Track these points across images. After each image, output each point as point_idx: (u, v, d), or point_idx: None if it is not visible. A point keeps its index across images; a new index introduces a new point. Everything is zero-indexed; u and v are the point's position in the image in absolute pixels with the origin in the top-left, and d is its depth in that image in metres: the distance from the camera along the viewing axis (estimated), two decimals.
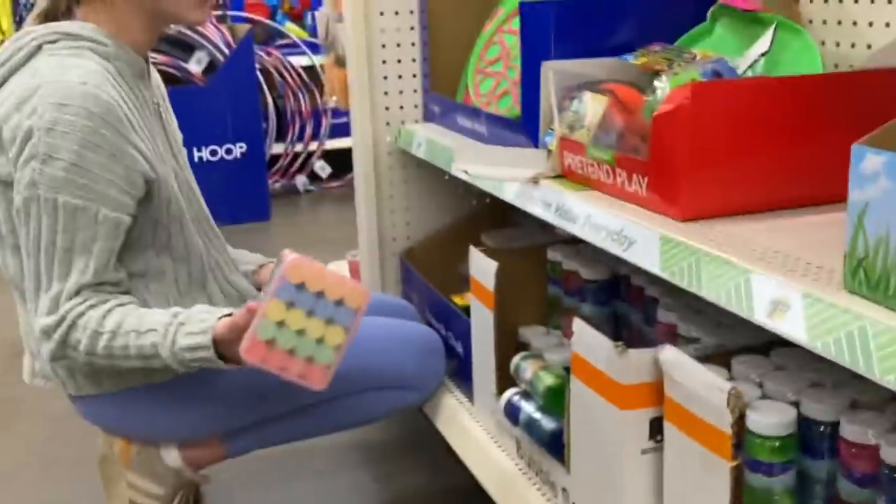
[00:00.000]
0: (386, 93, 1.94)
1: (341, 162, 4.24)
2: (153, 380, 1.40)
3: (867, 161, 0.76)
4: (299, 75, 4.38)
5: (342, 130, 4.45)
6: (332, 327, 1.21)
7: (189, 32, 3.53)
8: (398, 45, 1.91)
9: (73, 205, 1.24)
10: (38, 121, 1.23)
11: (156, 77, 1.51)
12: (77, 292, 1.27)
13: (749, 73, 1.21)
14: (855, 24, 1.34)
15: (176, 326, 1.26)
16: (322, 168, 4.58)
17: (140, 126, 1.33)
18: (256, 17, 4.37)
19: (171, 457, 1.51)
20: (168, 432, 1.49)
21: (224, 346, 1.25)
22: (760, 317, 0.85)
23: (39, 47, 1.31)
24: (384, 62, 1.92)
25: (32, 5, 3.50)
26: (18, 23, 3.58)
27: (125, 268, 1.34)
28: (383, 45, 1.90)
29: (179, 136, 1.55)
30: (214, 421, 1.48)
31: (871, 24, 1.31)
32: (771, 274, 0.86)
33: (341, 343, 1.22)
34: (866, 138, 0.78)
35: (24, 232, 1.28)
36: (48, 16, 1.37)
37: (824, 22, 1.38)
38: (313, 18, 4.60)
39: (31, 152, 1.23)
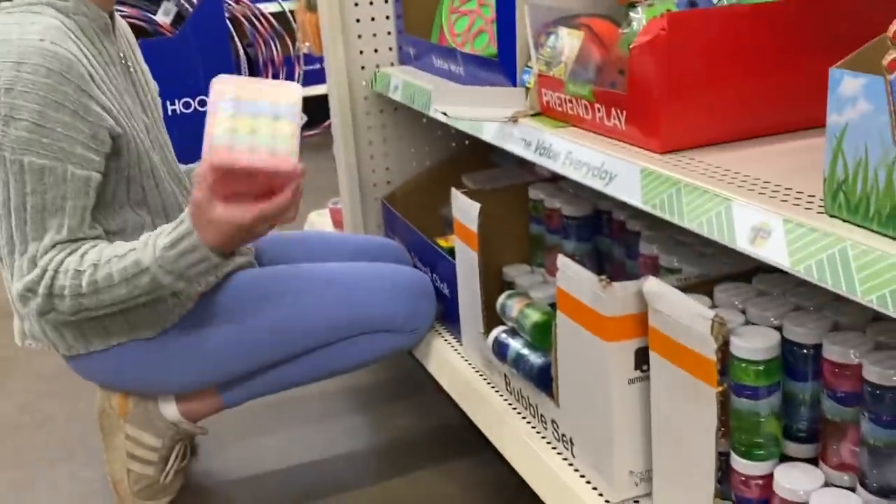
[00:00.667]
0: (360, 36, 1.92)
1: (317, 110, 4.21)
2: (140, 335, 1.40)
3: (845, 84, 0.76)
4: (269, 22, 4.31)
5: (316, 77, 4.39)
6: (279, 122, 1.22)
7: None
8: None
9: (39, 165, 1.22)
10: None
11: (125, 31, 1.49)
12: (52, 247, 1.26)
13: (724, 2, 1.20)
14: None
15: (154, 236, 1.26)
16: (298, 116, 4.53)
17: (104, 82, 1.31)
18: None
19: (169, 409, 1.52)
20: (164, 386, 1.50)
21: (202, 229, 1.22)
22: (742, 244, 0.86)
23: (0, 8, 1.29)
24: (356, 4, 1.90)
25: None
26: None
27: (103, 226, 1.33)
28: None
29: (154, 87, 1.53)
30: (209, 373, 1.49)
31: None
32: (751, 201, 0.87)
33: (292, 131, 1.22)
34: (844, 61, 0.78)
35: None
36: None
37: None
38: None
39: None
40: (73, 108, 1.23)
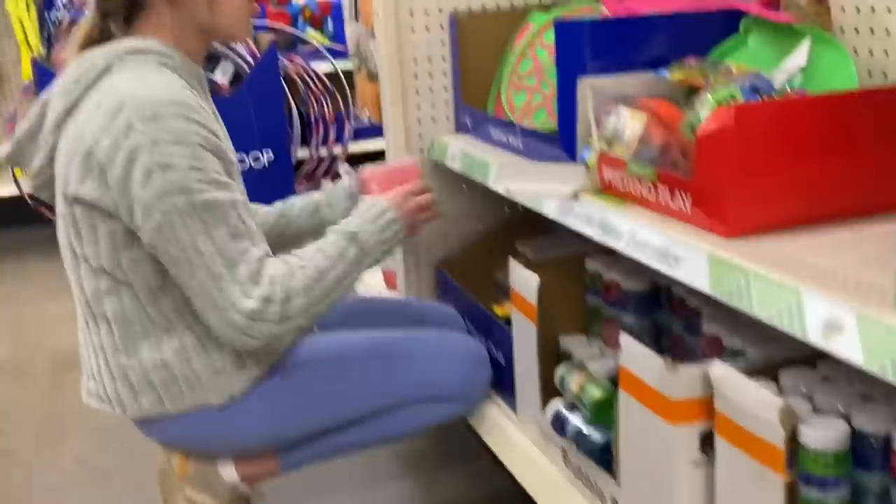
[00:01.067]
0: (418, 106, 1.97)
1: (367, 164, 4.28)
2: (210, 402, 1.43)
3: None
4: (322, 81, 4.40)
5: (365, 133, 4.48)
6: None
7: (215, 45, 3.56)
8: (429, 60, 1.93)
9: (210, 199, 1.27)
10: (140, 137, 1.24)
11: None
12: (261, 260, 1.32)
13: (787, 88, 1.23)
14: (888, 32, 1.35)
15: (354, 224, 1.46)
16: (347, 172, 4.60)
17: (217, 133, 1.37)
18: (278, 26, 4.40)
19: (228, 472, 1.55)
20: (227, 450, 1.52)
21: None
22: (815, 338, 0.87)
23: (109, 66, 1.33)
24: (416, 76, 1.95)
25: (60, 22, 3.54)
26: (48, 39, 3.62)
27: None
28: (414, 60, 1.93)
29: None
30: (272, 438, 1.51)
31: None
32: (823, 293, 0.88)
33: None
34: None
35: (175, 246, 1.28)
36: (90, 42, 1.39)
37: (857, 31, 1.39)
38: (334, 24, 4.63)
39: (146, 169, 1.25)
40: (214, 148, 1.30)
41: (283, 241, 1.67)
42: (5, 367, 2.91)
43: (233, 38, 1.45)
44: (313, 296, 1.35)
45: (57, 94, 1.36)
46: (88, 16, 1.41)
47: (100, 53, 1.35)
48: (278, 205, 1.75)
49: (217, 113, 1.52)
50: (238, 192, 1.34)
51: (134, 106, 1.26)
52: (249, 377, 1.44)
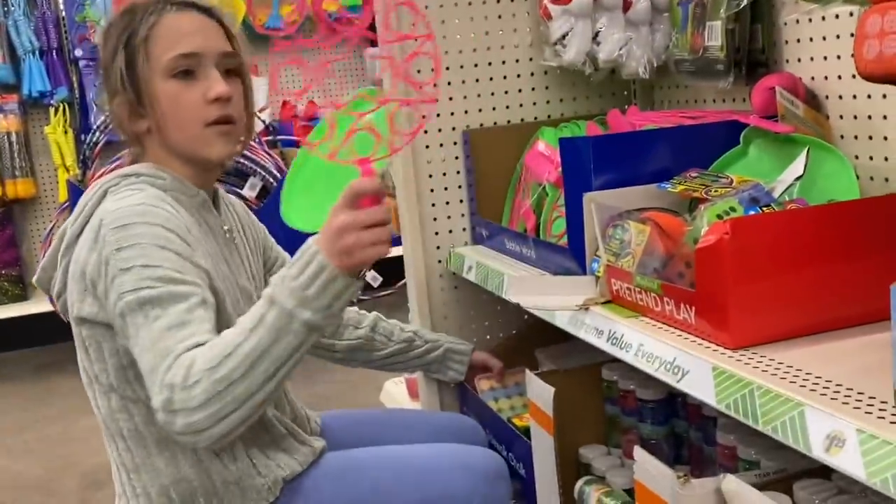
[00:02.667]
0: (435, 218, 2.02)
1: (391, 269, 4.33)
2: None
3: None
4: None
5: (393, 239, 4.55)
6: None
7: (244, 161, 3.68)
8: (444, 175, 1.99)
9: (155, 294, 1.24)
10: (107, 247, 1.28)
11: (233, 206, 1.58)
12: (187, 350, 1.20)
13: (785, 198, 1.25)
14: (885, 138, 1.38)
15: (277, 285, 1.21)
16: (374, 278, 4.67)
17: (201, 243, 1.38)
18: (305, 140, 4.55)
19: None
20: None
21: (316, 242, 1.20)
22: (818, 452, 0.87)
23: (105, 192, 1.40)
24: (432, 190, 2.00)
25: (95, 144, 3.70)
26: (84, 161, 3.77)
27: None
28: (430, 175, 1.99)
29: (269, 257, 1.65)
30: None
31: None
32: (824, 407, 0.88)
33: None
34: None
35: (130, 344, 1.27)
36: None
37: (856, 137, 1.43)
38: None
39: (112, 274, 1.28)
40: (177, 250, 1.29)
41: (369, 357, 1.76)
42: (36, 486, 2.93)
43: (206, 160, 1.41)
44: (220, 376, 1.16)
45: (69, 221, 1.42)
46: None
47: (100, 182, 1.42)
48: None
49: (243, 234, 1.56)
50: (197, 288, 1.26)
51: (108, 221, 1.30)
52: (263, 500, 1.44)
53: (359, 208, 1.20)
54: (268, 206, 3.81)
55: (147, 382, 1.23)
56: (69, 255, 1.39)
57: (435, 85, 1.34)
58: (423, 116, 1.34)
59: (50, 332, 3.97)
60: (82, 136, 4.21)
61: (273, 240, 1.72)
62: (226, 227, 1.50)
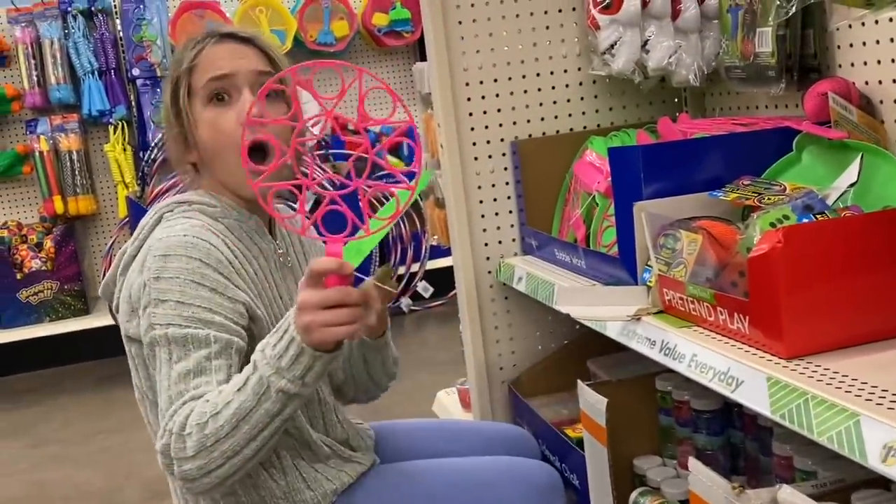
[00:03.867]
0: (484, 230, 2.03)
1: (443, 280, 4.35)
2: None
3: None
4: None
5: (441, 251, 4.58)
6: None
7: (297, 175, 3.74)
8: (493, 186, 2.00)
9: (182, 333, 1.30)
10: (147, 273, 1.34)
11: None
12: (192, 399, 1.27)
13: (839, 205, 1.24)
14: None
15: (259, 352, 1.26)
16: (425, 289, 4.69)
17: (247, 270, 1.41)
18: (356, 154, 4.60)
19: None
20: None
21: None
22: (874, 462, 0.86)
23: (160, 218, 1.46)
24: (481, 202, 2.01)
25: (153, 161, 3.78)
26: (142, 178, 3.86)
27: None
28: (479, 187, 2.00)
29: None
30: None
31: None
32: (881, 417, 0.87)
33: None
34: None
35: (155, 373, 1.34)
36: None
37: None
38: (409, 148, 4.80)
39: (146, 301, 1.34)
40: (212, 286, 1.34)
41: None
42: (99, 497, 3.00)
43: (245, 195, 1.43)
44: (208, 432, 1.22)
45: (129, 243, 1.48)
46: None
47: (157, 207, 1.48)
48: None
49: (299, 257, 1.58)
50: (223, 332, 1.31)
51: (155, 248, 1.36)
52: (314, 500, 1.46)
53: (322, 287, 1.20)
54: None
55: (159, 419, 1.31)
56: (126, 274, 1.44)
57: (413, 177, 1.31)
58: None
59: (111, 345, 4.06)
60: (140, 154, 4.32)
61: None
62: (280, 251, 1.52)
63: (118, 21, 4.56)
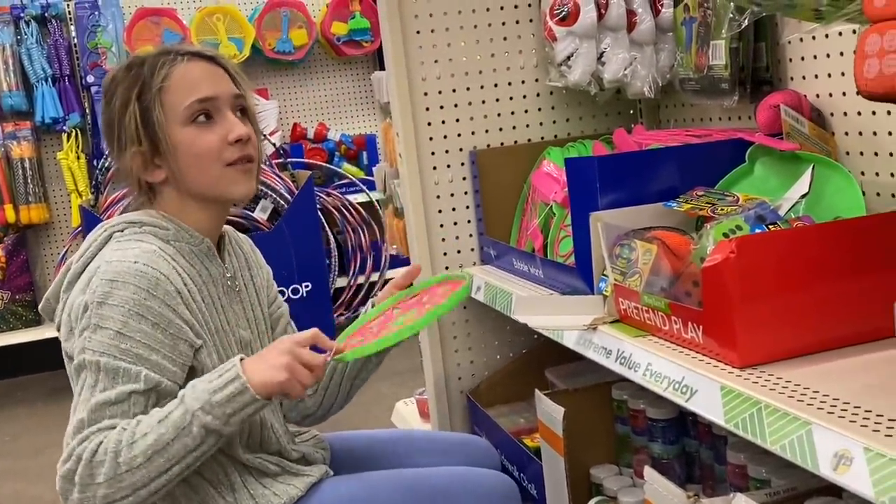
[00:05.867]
0: (443, 239, 2.03)
1: None
2: None
3: None
4: (358, 212, 4.54)
5: (401, 261, 4.57)
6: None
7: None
8: (452, 195, 2.00)
9: (114, 365, 1.30)
10: (92, 295, 1.33)
11: (241, 248, 1.59)
12: (107, 428, 1.28)
13: (791, 215, 1.26)
14: (892, 154, 1.38)
15: (190, 388, 1.29)
16: None
17: (195, 299, 1.40)
18: (315, 163, 4.58)
19: None
20: None
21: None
22: (826, 471, 0.87)
23: (110, 237, 1.43)
24: (440, 211, 2.01)
25: (108, 169, 3.73)
26: (96, 186, 3.80)
27: None
28: (438, 196, 2.00)
29: (269, 303, 1.63)
30: None
31: None
32: (831, 426, 0.88)
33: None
34: None
35: (75, 393, 1.34)
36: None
37: (861, 154, 1.43)
38: (368, 157, 4.79)
39: (85, 324, 1.33)
40: (155, 320, 1.33)
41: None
42: None
43: (230, 199, 1.47)
44: (121, 460, 1.24)
45: (73, 258, 1.45)
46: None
47: (107, 224, 1.45)
48: None
49: (247, 280, 1.56)
50: (155, 375, 1.31)
51: (101, 271, 1.34)
52: None
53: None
54: (278, 229, 3.84)
55: (65, 439, 1.30)
56: (70, 291, 1.41)
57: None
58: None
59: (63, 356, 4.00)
60: (95, 162, 4.25)
61: (275, 285, 1.70)
62: (228, 275, 1.51)
63: (72, 27, 4.50)
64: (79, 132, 4.49)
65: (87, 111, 4.50)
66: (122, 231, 1.43)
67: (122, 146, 1.44)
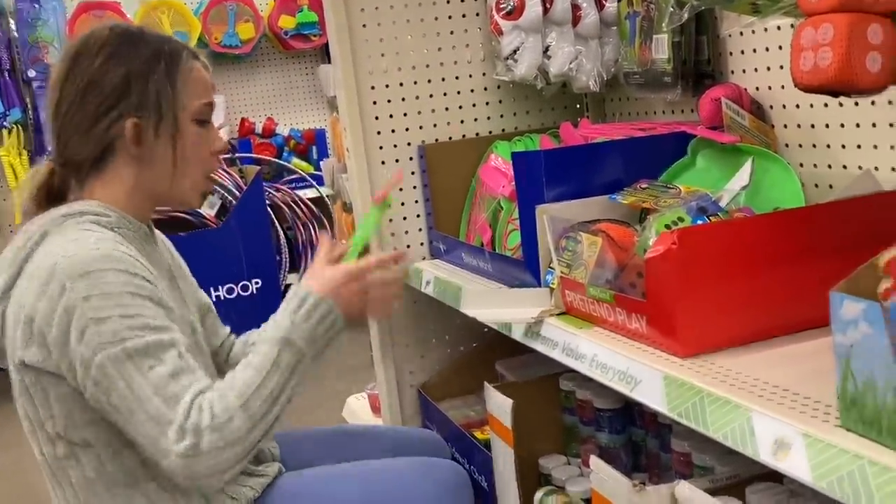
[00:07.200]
0: (392, 234, 2.02)
1: None
2: None
3: (846, 307, 0.81)
4: (308, 207, 4.50)
5: None
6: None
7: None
8: (400, 190, 1.99)
9: (142, 343, 1.25)
10: (72, 295, 1.25)
11: (163, 240, 1.58)
12: (202, 392, 1.26)
13: (732, 207, 1.28)
14: (829, 146, 1.41)
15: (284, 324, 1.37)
16: None
17: (157, 281, 1.37)
18: (264, 157, 4.53)
19: None
20: None
21: (315, 286, 1.40)
22: (766, 457, 0.89)
23: (45, 233, 1.36)
24: (389, 206, 2.00)
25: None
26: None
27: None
28: None
29: (195, 292, 1.62)
30: None
31: (843, 147, 1.38)
32: (771, 412, 0.90)
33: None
34: (842, 284, 0.83)
35: (115, 396, 1.26)
36: (47, 189, 1.43)
37: (800, 146, 1.46)
38: (318, 152, 4.76)
39: (81, 326, 1.25)
40: (149, 295, 1.30)
41: None
42: None
43: (183, 205, 1.52)
44: (251, 414, 1.27)
45: (1, 267, 1.37)
46: (46, 161, 1.44)
47: (38, 223, 1.37)
48: (249, 334, 1.75)
49: (177, 268, 1.55)
50: (177, 333, 1.31)
51: (65, 267, 1.27)
52: None
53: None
54: (227, 225, 3.80)
55: (149, 431, 1.25)
56: (6, 300, 1.35)
57: None
58: None
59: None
60: (37, 158, 4.16)
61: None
62: (167, 265, 1.50)
63: (12, 21, 4.39)
64: (20, 128, 4.38)
65: (29, 106, 4.40)
66: (59, 225, 1.36)
67: (109, 108, 1.38)
